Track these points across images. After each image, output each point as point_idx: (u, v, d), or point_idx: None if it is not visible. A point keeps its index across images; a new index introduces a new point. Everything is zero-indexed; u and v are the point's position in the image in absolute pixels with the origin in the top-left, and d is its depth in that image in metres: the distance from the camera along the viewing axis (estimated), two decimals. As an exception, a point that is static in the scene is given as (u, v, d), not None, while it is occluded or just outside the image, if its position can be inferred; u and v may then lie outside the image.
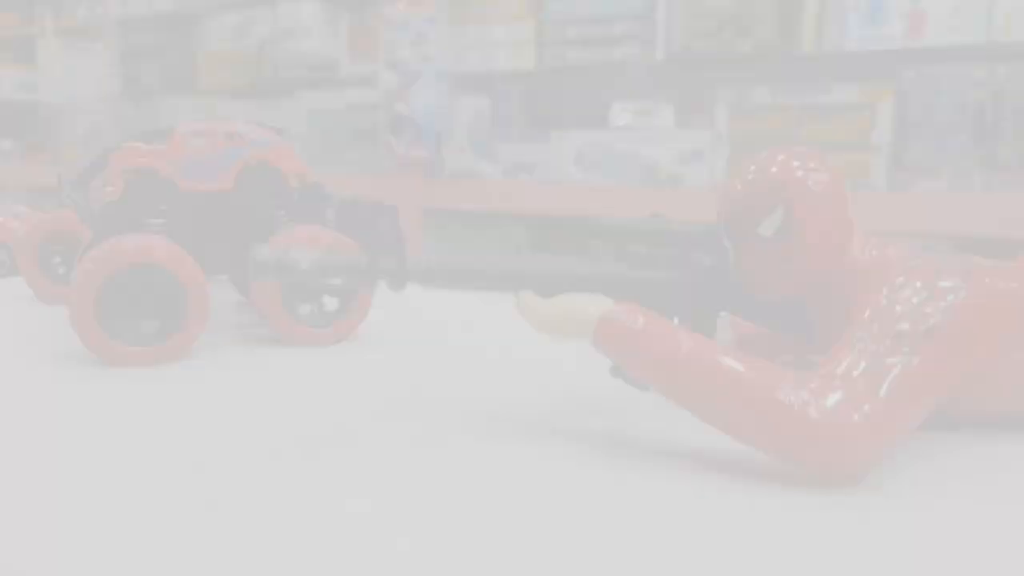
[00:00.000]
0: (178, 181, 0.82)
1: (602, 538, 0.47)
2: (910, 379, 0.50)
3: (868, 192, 1.88)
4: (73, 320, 0.75)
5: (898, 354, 0.50)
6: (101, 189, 0.87)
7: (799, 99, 1.99)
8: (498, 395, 0.74)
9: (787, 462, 0.51)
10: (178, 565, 0.43)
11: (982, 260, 0.61)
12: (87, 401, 0.69)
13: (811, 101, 1.98)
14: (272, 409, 0.69)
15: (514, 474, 0.56)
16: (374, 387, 0.75)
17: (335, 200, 0.90)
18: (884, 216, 0.69)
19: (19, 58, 3.54)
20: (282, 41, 2.73)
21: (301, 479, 0.54)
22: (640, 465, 0.57)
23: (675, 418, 0.59)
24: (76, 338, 0.83)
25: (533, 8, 2.30)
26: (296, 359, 0.83)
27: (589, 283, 0.61)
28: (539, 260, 0.64)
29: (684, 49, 2.09)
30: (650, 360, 0.55)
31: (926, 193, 1.84)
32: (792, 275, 0.61)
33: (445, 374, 0.80)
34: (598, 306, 0.58)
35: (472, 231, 1.90)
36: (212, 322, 0.82)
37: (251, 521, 0.48)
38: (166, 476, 0.54)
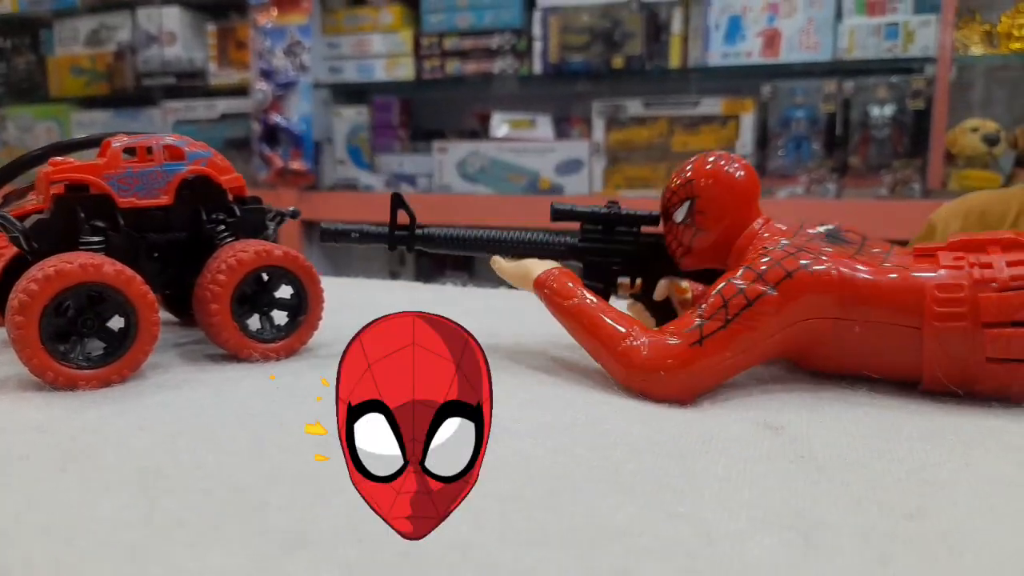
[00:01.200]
0: (115, 196, 0.77)
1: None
2: (724, 339, 0.66)
3: (735, 198, 2.00)
4: (16, 343, 0.69)
5: (720, 320, 0.66)
6: (14, 204, 0.80)
7: (669, 111, 2.10)
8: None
9: (629, 388, 0.69)
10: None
11: (874, 243, 0.72)
12: (44, 425, 0.64)
13: (680, 113, 2.09)
14: (243, 416, 0.66)
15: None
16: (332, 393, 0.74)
17: (274, 214, 0.88)
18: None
19: None
20: (143, 48, 2.61)
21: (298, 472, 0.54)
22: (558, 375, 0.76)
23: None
24: (11, 362, 0.77)
25: (409, 20, 2.31)
26: (249, 372, 0.79)
27: (548, 252, 0.81)
28: (512, 232, 0.82)
29: (559, 63, 2.16)
30: (554, 308, 0.76)
31: (787, 199, 1.98)
32: (696, 251, 0.75)
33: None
34: (542, 267, 0.77)
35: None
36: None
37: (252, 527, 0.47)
38: (159, 491, 0.52)
